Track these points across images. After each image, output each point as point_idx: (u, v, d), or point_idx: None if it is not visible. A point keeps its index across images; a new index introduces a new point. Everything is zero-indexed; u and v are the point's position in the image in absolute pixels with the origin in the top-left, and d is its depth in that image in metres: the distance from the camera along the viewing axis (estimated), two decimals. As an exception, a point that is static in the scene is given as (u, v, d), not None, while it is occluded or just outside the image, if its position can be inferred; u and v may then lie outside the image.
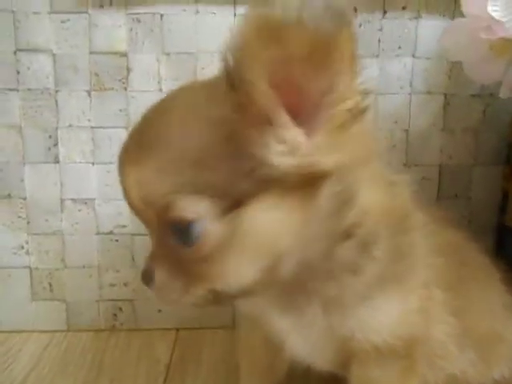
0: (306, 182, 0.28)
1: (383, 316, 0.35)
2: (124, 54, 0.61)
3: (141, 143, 0.30)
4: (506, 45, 0.44)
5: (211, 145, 0.27)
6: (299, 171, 0.27)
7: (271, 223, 0.29)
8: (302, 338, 0.38)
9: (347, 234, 0.32)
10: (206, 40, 0.61)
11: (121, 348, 0.63)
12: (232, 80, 0.26)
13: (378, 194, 0.34)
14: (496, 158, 0.65)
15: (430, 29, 0.61)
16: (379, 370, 0.37)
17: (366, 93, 0.28)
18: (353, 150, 0.28)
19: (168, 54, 0.61)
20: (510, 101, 0.63)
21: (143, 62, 0.61)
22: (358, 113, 0.28)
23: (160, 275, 0.32)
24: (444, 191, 0.66)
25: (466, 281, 0.44)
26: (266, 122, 0.26)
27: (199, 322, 0.68)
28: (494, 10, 0.40)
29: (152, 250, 0.33)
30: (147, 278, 0.32)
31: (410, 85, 0.63)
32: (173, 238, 0.29)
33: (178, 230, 0.29)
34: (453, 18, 0.61)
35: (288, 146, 0.26)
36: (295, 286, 0.33)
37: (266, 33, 0.24)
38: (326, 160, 0.27)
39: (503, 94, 0.47)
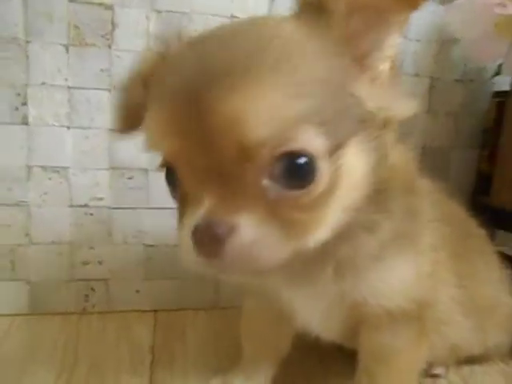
0: (380, 128, 0.27)
1: (397, 279, 0.35)
2: (109, 7, 0.55)
3: (236, 69, 0.25)
4: (510, 23, 0.45)
5: (325, 78, 0.26)
6: (380, 113, 0.28)
7: (362, 167, 0.28)
8: (312, 308, 0.37)
9: (379, 188, 0.31)
10: (199, 0, 0.57)
11: (95, 332, 0.57)
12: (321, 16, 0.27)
13: (398, 157, 0.35)
14: (473, 141, 0.69)
15: (422, 12, 0.62)
16: (391, 336, 0.37)
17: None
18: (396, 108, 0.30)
19: (159, 12, 0.56)
20: (488, 88, 0.67)
21: (131, 17, 0.56)
22: (396, 73, 0.30)
23: (249, 228, 0.25)
24: (425, 171, 0.69)
25: (470, 251, 0.46)
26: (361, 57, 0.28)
27: (178, 303, 0.64)
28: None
29: (216, 203, 0.26)
30: (213, 238, 0.25)
31: (401, 66, 0.64)
32: (277, 181, 0.25)
33: (293, 169, 0.25)
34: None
35: (374, 87, 0.27)
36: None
37: None
38: (395, 107, 0.29)
39: (505, 72, 0.49)
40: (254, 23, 0.30)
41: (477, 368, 0.53)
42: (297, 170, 0.25)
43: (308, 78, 0.26)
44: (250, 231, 0.25)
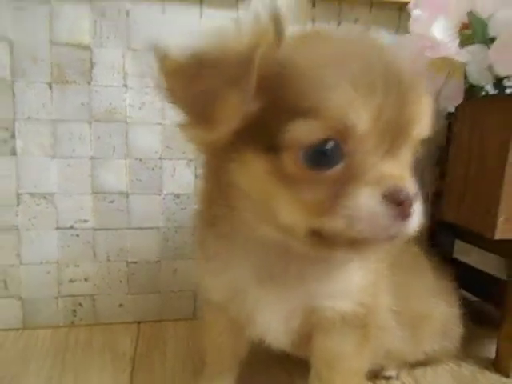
0: None
1: (352, 283, 0.40)
2: (87, 47, 0.60)
3: (414, 81, 0.32)
4: (444, 62, 0.51)
5: None
6: None
7: None
8: (273, 310, 0.41)
9: None
10: (171, 34, 0.62)
11: (82, 344, 0.63)
12: None
13: None
14: (430, 160, 0.74)
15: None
16: (341, 340, 0.42)
17: None
18: None
19: (134, 50, 0.61)
20: (440, 112, 0.73)
21: (108, 56, 0.61)
22: None
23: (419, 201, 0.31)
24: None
25: (404, 266, 0.50)
26: None
27: (159, 315, 0.69)
28: (438, 32, 0.47)
29: (401, 174, 0.31)
30: (411, 203, 0.30)
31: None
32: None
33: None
34: (396, 32, 0.68)
35: None
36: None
37: None
38: None
39: (442, 103, 0.54)
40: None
41: (428, 369, 0.59)
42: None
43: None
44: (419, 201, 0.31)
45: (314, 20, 0.66)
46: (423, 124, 0.33)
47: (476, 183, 0.57)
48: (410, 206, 0.30)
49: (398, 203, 0.29)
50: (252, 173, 0.33)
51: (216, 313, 0.49)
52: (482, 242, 0.60)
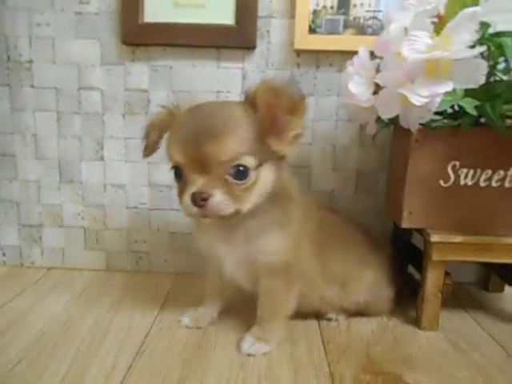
0: (279, 159, 0.62)
1: (274, 245, 0.66)
2: (146, 91, 0.94)
3: (215, 129, 0.56)
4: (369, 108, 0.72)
5: (254, 136, 0.58)
6: (280, 154, 0.61)
7: (269, 176, 0.61)
8: (230, 261, 0.69)
9: (274, 192, 0.63)
10: (198, 83, 0.92)
11: (141, 282, 0.97)
12: (254, 107, 0.59)
13: (286, 177, 0.67)
14: (396, 166, 0.94)
15: (349, 78, 0.90)
16: (272, 280, 0.68)
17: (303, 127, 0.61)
18: (291, 151, 0.62)
19: (174, 92, 0.93)
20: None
21: (158, 96, 0.94)
22: (298, 137, 0.61)
23: (218, 195, 0.56)
24: (360, 188, 0.96)
25: (330, 240, 0.73)
26: (272, 131, 0.59)
27: (192, 269, 1.00)
28: (353, 87, 0.70)
29: (203, 183, 0.56)
30: (201, 198, 0.55)
31: (336, 115, 0.93)
32: (231, 176, 0.57)
33: (238, 172, 0.57)
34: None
35: (280, 145, 0.60)
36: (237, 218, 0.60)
37: (269, 90, 0.57)
38: (287, 151, 0.61)
39: (368, 130, 0.77)
40: (223, 105, 0.64)
41: (363, 318, 0.81)
42: (240, 172, 0.57)
43: (246, 135, 0.57)
44: (218, 197, 0.56)
45: (298, 66, 0.91)
46: (219, 153, 0.55)
47: (395, 188, 0.79)
48: (202, 200, 0.56)
49: (192, 200, 0.57)
50: None
51: (210, 264, 0.79)
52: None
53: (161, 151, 0.65)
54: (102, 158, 0.97)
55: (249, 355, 0.68)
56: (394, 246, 0.88)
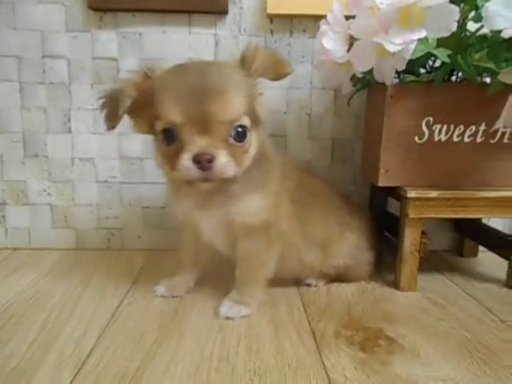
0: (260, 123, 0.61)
1: (252, 206, 0.64)
2: (115, 59, 0.90)
3: (219, 87, 0.54)
4: (343, 64, 0.71)
5: (249, 97, 0.58)
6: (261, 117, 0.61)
7: (256, 138, 0.61)
8: (209, 225, 0.67)
9: (256, 158, 0.62)
10: (169, 50, 0.90)
11: (114, 260, 0.93)
12: (248, 69, 0.59)
13: (265, 140, 0.66)
14: (370, 134, 0.94)
15: (323, 45, 0.90)
16: (251, 241, 0.66)
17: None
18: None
19: (145, 59, 0.90)
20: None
21: (128, 64, 0.90)
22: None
23: (223, 157, 0.54)
24: (336, 157, 0.96)
25: (310, 201, 0.73)
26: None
27: (165, 245, 0.97)
28: (327, 43, 0.69)
29: (206, 144, 0.53)
30: (208, 160, 0.53)
31: (311, 83, 0.93)
32: (232, 137, 0.56)
33: (238, 133, 0.56)
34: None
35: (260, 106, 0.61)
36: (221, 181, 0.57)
37: (269, 55, 0.60)
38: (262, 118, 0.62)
39: (344, 90, 0.76)
40: (215, 64, 0.64)
41: (342, 284, 0.80)
42: (240, 133, 0.57)
43: (243, 94, 0.56)
44: (223, 158, 0.54)
45: (272, 32, 0.90)
46: (224, 112, 0.53)
47: (371, 148, 0.79)
48: (208, 162, 0.53)
49: (197, 162, 0.53)
50: (155, 147, 0.61)
51: (185, 231, 0.76)
52: (396, 195, 0.79)
53: (126, 121, 0.61)
54: (69, 131, 0.93)
55: (227, 319, 0.66)
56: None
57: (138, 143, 0.93)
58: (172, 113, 0.54)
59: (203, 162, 0.53)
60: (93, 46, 0.90)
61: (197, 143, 0.54)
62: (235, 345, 0.59)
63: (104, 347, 0.58)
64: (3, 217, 0.95)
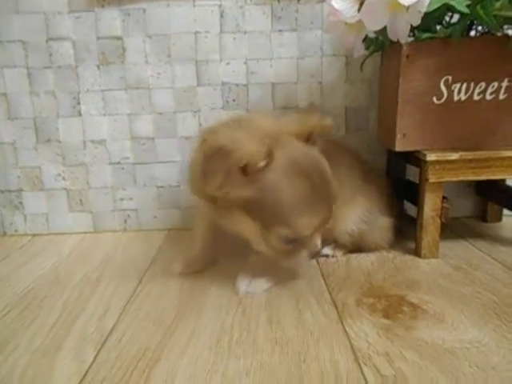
0: None
1: None
2: (120, 38, 0.89)
3: (334, 194, 0.59)
4: (354, 25, 0.68)
5: None
6: None
7: None
8: None
9: None
10: (175, 25, 0.88)
11: (132, 240, 0.93)
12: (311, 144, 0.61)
13: None
14: (385, 100, 0.91)
15: (332, 9, 0.86)
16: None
17: None
18: None
19: (150, 36, 0.88)
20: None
21: (133, 42, 0.89)
22: None
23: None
24: (350, 126, 0.93)
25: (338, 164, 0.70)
26: None
27: (182, 224, 0.97)
28: (336, 2, 0.66)
29: (320, 241, 0.61)
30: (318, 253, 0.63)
31: (321, 50, 0.89)
32: None
33: None
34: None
35: None
36: None
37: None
38: None
39: (356, 52, 0.73)
40: (317, 158, 0.59)
41: (362, 254, 0.79)
42: None
43: None
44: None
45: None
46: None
47: (386, 112, 0.76)
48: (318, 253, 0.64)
49: (312, 256, 0.62)
50: (241, 225, 0.60)
51: (204, 218, 0.75)
52: (414, 161, 0.77)
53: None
54: (79, 114, 0.92)
55: (247, 294, 0.66)
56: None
57: (147, 123, 0.92)
58: (302, 227, 0.56)
59: (314, 254, 0.62)
60: (96, 25, 0.88)
61: (317, 242, 0.61)
62: (256, 316, 0.58)
63: (125, 324, 0.58)
64: (21, 203, 0.96)
